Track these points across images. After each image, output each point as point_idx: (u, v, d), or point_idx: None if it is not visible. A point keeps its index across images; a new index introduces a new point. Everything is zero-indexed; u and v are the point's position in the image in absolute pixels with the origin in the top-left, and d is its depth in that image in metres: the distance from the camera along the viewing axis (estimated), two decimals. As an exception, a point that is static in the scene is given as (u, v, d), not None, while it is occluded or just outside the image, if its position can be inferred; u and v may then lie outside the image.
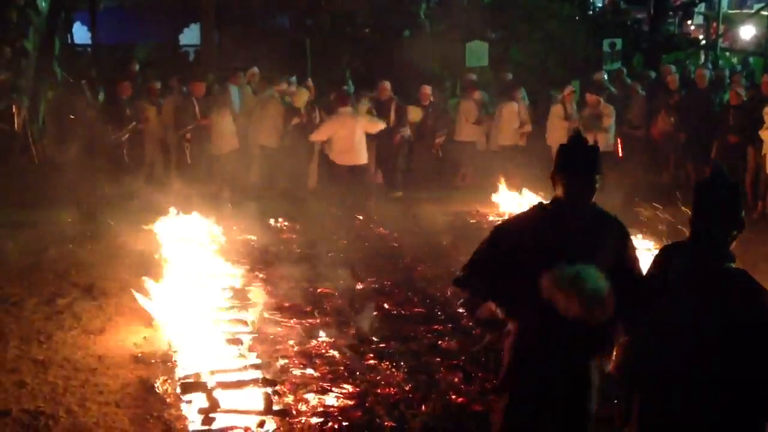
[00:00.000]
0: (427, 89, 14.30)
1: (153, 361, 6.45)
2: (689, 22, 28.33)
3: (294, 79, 14.34)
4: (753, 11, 26.74)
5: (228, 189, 12.55)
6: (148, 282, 7.66)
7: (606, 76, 15.43)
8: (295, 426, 5.40)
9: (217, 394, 5.66)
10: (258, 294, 8.07)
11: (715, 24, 22.81)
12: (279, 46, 17.37)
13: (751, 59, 20.63)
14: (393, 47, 18.46)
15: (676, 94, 14.02)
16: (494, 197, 12.58)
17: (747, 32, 25.20)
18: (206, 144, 12.66)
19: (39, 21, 13.69)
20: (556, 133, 13.49)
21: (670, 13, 23.46)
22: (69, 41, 17.35)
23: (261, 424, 5.37)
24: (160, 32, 21.78)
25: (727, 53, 23.09)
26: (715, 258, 3.44)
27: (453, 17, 20.19)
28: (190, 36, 22.54)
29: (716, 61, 20.17)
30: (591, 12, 23.45)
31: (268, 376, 6.00)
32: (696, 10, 26.17)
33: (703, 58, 21.14)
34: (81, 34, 20.28)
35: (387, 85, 13.67)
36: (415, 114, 13.83)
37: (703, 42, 23.86)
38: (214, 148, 12.73)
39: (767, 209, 11.26)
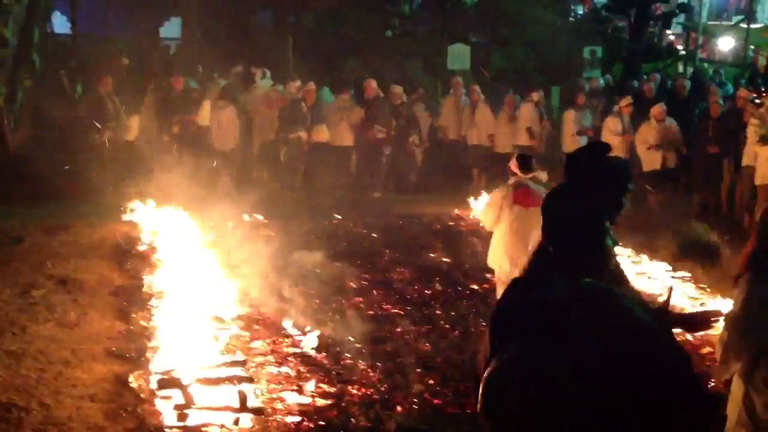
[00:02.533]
0: (398, 89, 14.23)
1: (128, 355, 6.40)
2: (668, 31, 28.60)
3: (268, 73, 14.43)
4: (732, 23, 27.08)
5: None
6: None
7: (602, 82, 15.50)
8: (270, 424, 5.38)
9: (193, 390, 5.63)
10: (235, 292, 8.05)
11: (694, 34, 23.07)
12: (261, 43, 17.34)
13: (722, 70, 20.93)
14: (374, 46, 18.50)
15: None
16: (471, 200, 12.60)
17: (726, 44, 25.49)
18: (193, 139, 12.67)
19: (18, 9, 13.55)
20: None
21: (651, 22, 23.68)
22: (48, 31, 17.14)
23: (236, 422, 5.35)
24: (140, 25, 21.62)
25: (706, 64, 23.35)
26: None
27: (436, 20, 20.27)
28: (171, 29, 22.41)
29: (695, 71, 20.39)
30: (572, 19, 23.63)
31: (244, 374, 5.98)
32: (675, 20, 26.42)
33: (681, 68, 21.36)
34: (61, 23, 20.07)
35: (399, 89, 14.04)
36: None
37: (683, 52, 24.10)
38: (218, 145, 12.80)
39: (755, 219, 11.32)
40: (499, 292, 6.62)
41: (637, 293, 3.53)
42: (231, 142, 13.04)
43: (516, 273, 5.82)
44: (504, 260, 7.05)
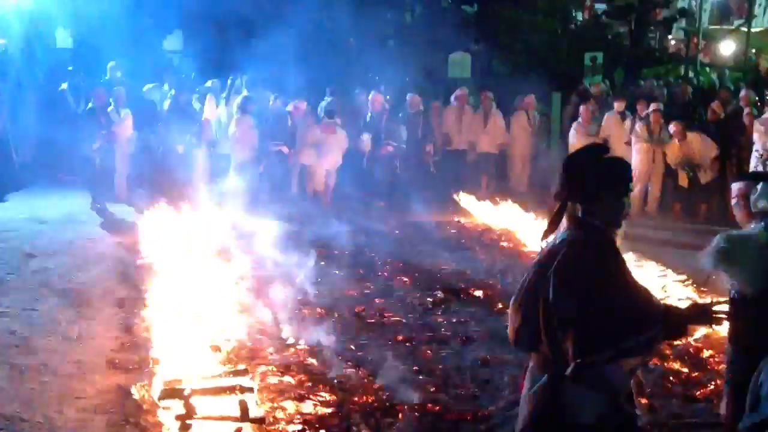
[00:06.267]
0: (416, 98, 14.31)
1: (130, 367, 6.44)
2: (669, 36, 28.62)
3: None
4: (733, 27, 27.08)
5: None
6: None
7: (604, 88, 15.53)
8: (271, 433, 5.42)
9: (195, 400, 5.66)
10: (237, 301, 8.09)
11: (695, 39, 23.08)
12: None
13: (726, 72, 20.94)
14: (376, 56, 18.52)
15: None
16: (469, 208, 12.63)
17: (727, 48, 25.48)
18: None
19: (21, 25, 13.65)
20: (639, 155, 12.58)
21: (651, 27, 23.71)
22: (51, 46, 17.25)
23: None
24: (142, 38, 21.66)
25: (707, 68, 23.37)
26: None
27: (436, 28, 20.29)
28: (174, 42, 22.47)
29: (697, 75, 20.42)
30: (573, 26, 23.67)
31: (245, 384, 6.01)
32: (677, 24, 26.44)
33: (683, 72, 21.39)
34: (63, 38, 20.15)
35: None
36: None
37: (684, 57, 24.12)
38: (238, 155, 12.92)
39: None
40: (316, 179, 13.43)
41: None
42: (249, 152, 13.10)
43: (319, 168, 13.45)
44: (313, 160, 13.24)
